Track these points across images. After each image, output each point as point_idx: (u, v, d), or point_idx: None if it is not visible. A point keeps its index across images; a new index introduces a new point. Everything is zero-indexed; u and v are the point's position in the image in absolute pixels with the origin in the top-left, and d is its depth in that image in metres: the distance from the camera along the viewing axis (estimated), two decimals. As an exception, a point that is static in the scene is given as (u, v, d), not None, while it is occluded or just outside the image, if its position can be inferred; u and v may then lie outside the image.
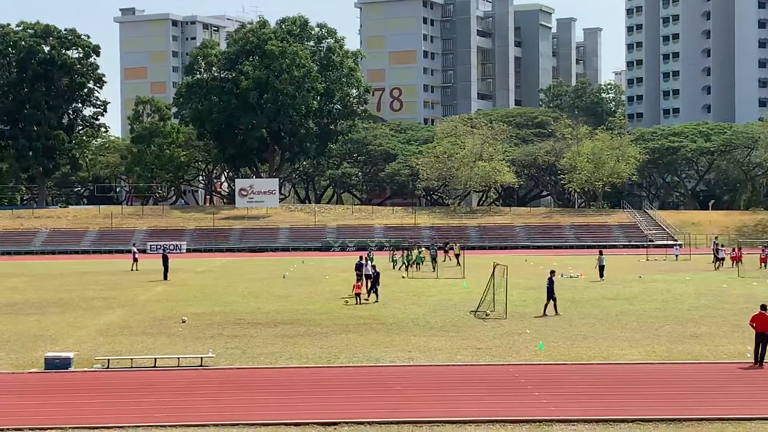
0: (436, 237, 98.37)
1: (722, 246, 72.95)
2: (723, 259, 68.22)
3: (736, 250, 68.04)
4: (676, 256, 79.42)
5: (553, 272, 40.62)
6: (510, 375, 26.58)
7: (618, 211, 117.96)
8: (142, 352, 30.62)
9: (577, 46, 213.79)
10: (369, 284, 46.90)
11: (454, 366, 28.08)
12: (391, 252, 75.28)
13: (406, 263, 65.38)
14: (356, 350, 30.84)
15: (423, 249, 72.09)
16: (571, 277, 58.47)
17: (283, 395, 24.18)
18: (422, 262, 67.17)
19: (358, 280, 47.02)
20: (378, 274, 46.71)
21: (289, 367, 28.13)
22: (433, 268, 63.51)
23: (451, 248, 76.98)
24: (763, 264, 66.76)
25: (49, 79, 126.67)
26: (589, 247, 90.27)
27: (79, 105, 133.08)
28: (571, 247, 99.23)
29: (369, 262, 49.61)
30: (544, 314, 39.03)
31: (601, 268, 58.16)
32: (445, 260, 73.27)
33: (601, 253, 60.29)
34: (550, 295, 39.47)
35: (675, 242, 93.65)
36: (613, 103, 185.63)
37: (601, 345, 31.60)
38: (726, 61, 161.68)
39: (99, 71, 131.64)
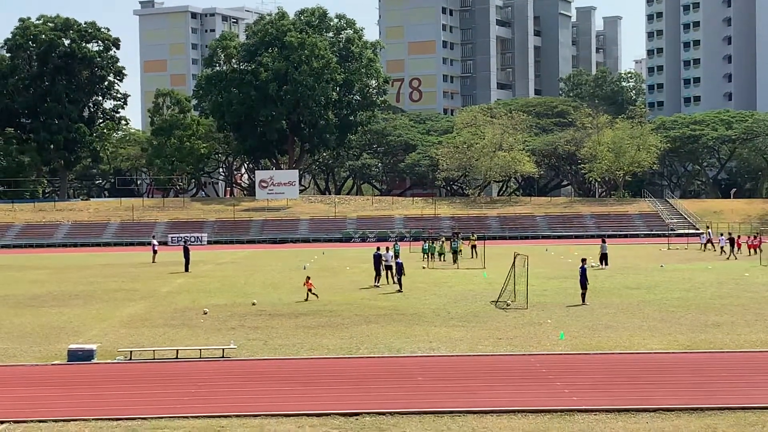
0: (456, 226, 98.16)
1: (713, 234, 73.28)
2: (713, 243, 67.94)
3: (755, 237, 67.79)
4: (703, 244, 78.88)
5: (584, 260, 40.49)
6: (531, 365, 26.53)
7: (639, 200, 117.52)
8: (164, 344, 30.74)
9: (597, 35, 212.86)
10: (390, 275, 47.32)
11: (475, 356, 28.05)
12: (432, 241, 72.42)
13: (437, 253, 65.64)
14: (377, 341, 30.86)
15: (444, 240, 71.81)
16: (592, 266, 58.12)
17: (304, 386, 24.23)
18: (443, 252, 67.04)
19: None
20: (401, 264, 46.71)
21: (311, 358, 28.18)
22: (454, 260, 63.37)
23: (466, 238, 76.40)
24: (752, 251, 66.60)
25: (70, 73, 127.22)
26: (610, 236, 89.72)
27: (100, 98, 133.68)
28: (592, 236, 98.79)
29: (389, 252, 49.65)
30: (584, 303, 38.85)
31: (604, 255, 58.16)
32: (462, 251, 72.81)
33: (603, 241, 60.49)
34: (584, 283, 39.30)
35: (700, 231, 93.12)
36: (634, 91, 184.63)
37: (623, 334, 31.50)
38: (747, 49, 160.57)
39: (119, 64, 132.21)
